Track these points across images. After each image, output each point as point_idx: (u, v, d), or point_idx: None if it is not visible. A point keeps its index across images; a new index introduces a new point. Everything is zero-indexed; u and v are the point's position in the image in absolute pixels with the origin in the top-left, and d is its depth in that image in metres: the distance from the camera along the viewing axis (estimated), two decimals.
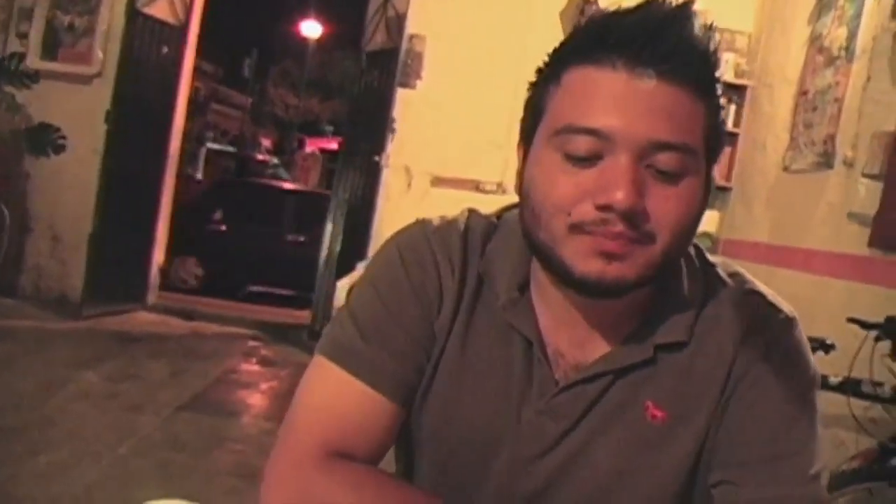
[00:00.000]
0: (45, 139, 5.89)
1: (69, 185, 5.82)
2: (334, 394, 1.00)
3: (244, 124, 15.17)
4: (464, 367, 1.03)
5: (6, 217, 5.68)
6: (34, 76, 5.87)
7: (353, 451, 0.98)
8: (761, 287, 1.04)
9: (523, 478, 1.03)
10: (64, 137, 5.91)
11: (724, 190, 5.65)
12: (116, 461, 3.31)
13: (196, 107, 11.91)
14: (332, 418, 0.99)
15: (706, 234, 5.51)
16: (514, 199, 1.03)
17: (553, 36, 1.24)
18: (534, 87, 0.96)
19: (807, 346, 1.01)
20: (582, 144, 0.87)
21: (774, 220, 4.88)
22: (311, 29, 23.41)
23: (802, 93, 4.67)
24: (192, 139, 12.45)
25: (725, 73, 5.63)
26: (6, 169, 5.75)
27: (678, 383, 0.99)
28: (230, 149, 13.70)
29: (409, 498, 0.97)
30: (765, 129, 5.23)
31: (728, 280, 1.03)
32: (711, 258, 1.07)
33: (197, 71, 9.56)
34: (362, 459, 0.99)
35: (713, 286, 1.02)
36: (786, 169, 4.74)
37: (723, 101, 0.95)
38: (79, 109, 5.86)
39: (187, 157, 11.21)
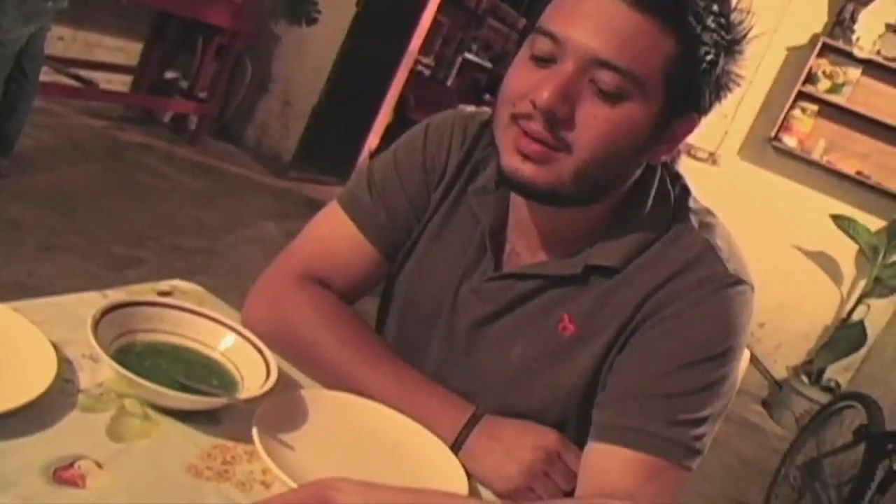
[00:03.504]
0: (302, 10, 6.26)
1: (310, 57, 6.16)
2: (330, 231, 1.16)
3: (509, 43, 15.19)
4: (439, 239, 1.14)
5: (248, 73, 6.18)
6: None
7: (330, 280, 1.13)
8: (723, 244, 1.03)
9: (455, 352, 1.12)
10: (319, 12, 6.25)
11: None
12: None
13: (472, 17, 12.04)
14: (320, 250, 1.15)
15: None
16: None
17: None
18: None
19: (735, 316, 1.00)
20: (540, 45, 0.92)
21: None
22: None
23: None
24: (454, 46, 12.67)
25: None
26: (261, 30, 6.19)
27: (597, 305, 1.03)
28: (486, 64, 13.82)
29: (357, 327, 1.10)
30: None
31: (695, 226, 1.04)
32: (695, 204, 1.07)
33: None
34: (336, 291, 1.13)
35: (675, 227, 1.04)
36: None
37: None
38: None
39: (444, 62, 11.52)
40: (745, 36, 0.95)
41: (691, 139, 5.67)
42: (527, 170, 0.93)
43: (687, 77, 0.92)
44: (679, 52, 0.90)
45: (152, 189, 4.64)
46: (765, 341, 5.76)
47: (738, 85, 0.97)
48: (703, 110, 0.98)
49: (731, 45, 0.94)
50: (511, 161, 0.94)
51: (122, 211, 4.12)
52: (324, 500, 0.64)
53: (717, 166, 5.71)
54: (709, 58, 0.92)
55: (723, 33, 0.92)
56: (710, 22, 0.90)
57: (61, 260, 3.31)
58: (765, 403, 5.53)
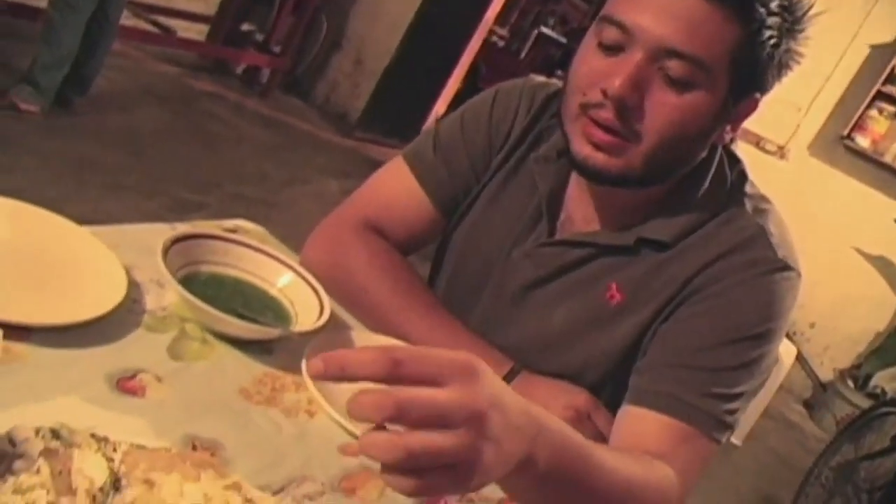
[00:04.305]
0: None
1: (386, 18, 6.17)
2: (391, 184, 1.21)
3: (586, 19, 14.92)
4: (497, 202, 1.18)
5: (323, 29, 6.24)
6: None
7: (386, 230, 1.18)
8: (776, 230, 1.05)
9: (501, 310, 1.15)
10: None
11: None
12: None
13: None
14: (380, 200, 1.20)
15: None
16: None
17: None
18: None
19: (779, 299, 1.02)
20: (608, 34, 0.95)
21: None
22: None
23: None
24: (530, 19, 12.56)
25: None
26: None
27: (646, 277, 1.06)
28: (561, 39, 13.67)
29: (409, 277, 1.15)
30: None
31: (748, 211, 1.06)
32: (751, 189, 1.10)
33: None
34: (392, 241, 1.18)
35: (729, 210, 1.07)
36: None
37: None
38: None
39: (519, 34, 11.44)
40: (805, 14, 0.96)
41: (761, 130, 5.61)
42: (599, 158, 0.97)
43: (752, 60, 0.95)
44: (744, 37, 0.92)
45: (220, 138, 4.74)
46: (814, 341, 5.70)
47: (799, 63, 0.99)
48: (765, 90, 1.01)
49: (793, 24, 0.96)
50: (582, 149, 0.98)
51: (188, 156, 4.22)
52: (472, 454, 0.57)
53: (785, 160, 5.63)
54: (773, 41, 0.94)
55: (786, 15, 0.94)
56: (774, 6, 0.93)
57: (126, 198, 3.42)
58: (806, 404, 5.47)
